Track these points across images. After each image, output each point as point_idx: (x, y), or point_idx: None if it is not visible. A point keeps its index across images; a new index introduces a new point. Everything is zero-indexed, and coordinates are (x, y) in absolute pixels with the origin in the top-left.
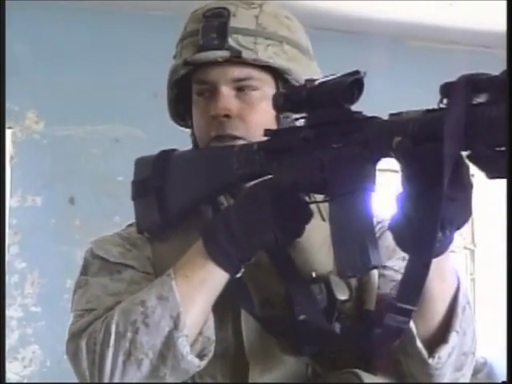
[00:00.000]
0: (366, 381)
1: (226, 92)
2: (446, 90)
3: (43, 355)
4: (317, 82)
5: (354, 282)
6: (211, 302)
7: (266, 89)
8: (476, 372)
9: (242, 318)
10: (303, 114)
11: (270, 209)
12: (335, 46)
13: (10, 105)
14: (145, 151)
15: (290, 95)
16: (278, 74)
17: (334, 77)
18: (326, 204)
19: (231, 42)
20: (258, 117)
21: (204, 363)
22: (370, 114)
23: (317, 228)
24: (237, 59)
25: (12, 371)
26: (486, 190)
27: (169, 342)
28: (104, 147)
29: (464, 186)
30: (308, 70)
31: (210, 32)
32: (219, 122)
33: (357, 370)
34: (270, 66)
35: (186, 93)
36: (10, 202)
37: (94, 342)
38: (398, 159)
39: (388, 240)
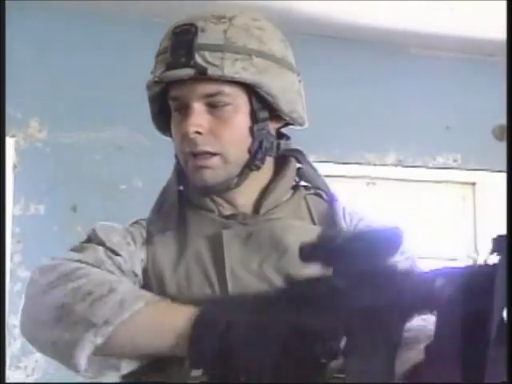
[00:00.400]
0: None
1: (198, 108)
2: (499, 244)
3: (46, 364)
4: (351, 233)
5: None
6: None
7: (238, 102)
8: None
9: None
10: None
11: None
12: (336, 54)
13: (13, 112)
14: (148, 158)
15: (319, 246)
16: (249, 88)
17: (368, 225)
18: (318, 206)
19: (198, 58)
20: (231, 132)
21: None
22: (373, 122)
23: (307, 230)
24: (202, 76)
25: (14, 380)
26: (489, 198)
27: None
28: (107, 154)
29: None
30: (282, 80)
31: (178, 49)
32: (191, 139)
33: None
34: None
35: (167, 107)
36: (12, 210)
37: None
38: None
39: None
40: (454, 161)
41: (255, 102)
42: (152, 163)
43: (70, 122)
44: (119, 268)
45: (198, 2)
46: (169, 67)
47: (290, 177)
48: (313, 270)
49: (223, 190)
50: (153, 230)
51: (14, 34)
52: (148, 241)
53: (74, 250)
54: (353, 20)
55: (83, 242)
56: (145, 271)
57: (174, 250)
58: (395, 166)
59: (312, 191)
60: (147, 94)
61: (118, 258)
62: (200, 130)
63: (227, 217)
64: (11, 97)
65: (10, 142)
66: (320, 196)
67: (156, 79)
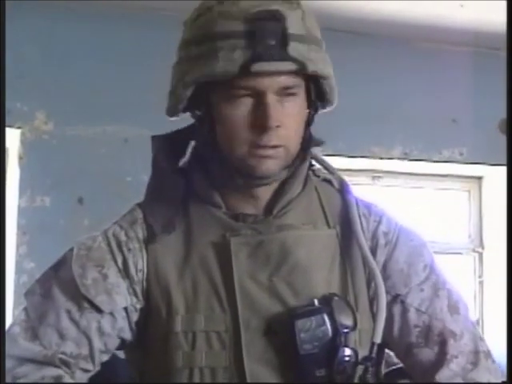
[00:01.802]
0: None
1: (273, 101)
2: None
3: None
4: None
5: (361, 308)
6: None
7: (301, 94)
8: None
9: (243, 345)
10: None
11: None
12: (341, 47)
13: (19, 105)
14: None
15: None
16: (309, 79)
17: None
18: (334, 201)
19: (292, 51)
20: (295, 124)
21: None
22: (379, 116)
23: (320, 240)
24: (301, 72)
25: None
26: (495, 192)
27: None
28: (113, 147)
29: None
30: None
31: (266, 38)
32: (268, 133)
33: None
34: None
35: (201, 93)
36: (18, 202)
37: None
38: None
39: (400, 262)
40: (460, 154)
41: (313, 93)
42: None
43: (75, 114)
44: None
45: None
46: (260, 58)
47: (305, 171)
48: (324, 289)
49: (271, 181)
50: (153, 225)
51: (21, 29)
52: (150, 240)
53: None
54: (358, 13)
55: (54, 267)
56: (147, 279)
57: (180, 253)
58: (401, 159)
59: (322, 177)
60: (202, 77)
61: (88, 315)
62: (279, 123)
63: (236, 216)
64: (17, 90)
65: (15, 134)
66: (330, 183)
67: (246, 69)
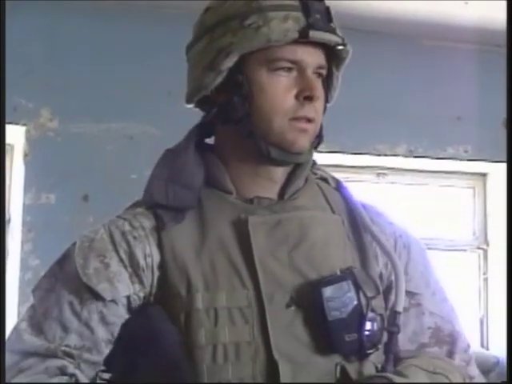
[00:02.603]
0: (397, 381)
1: (311, 75)
2: None
3: None
4: None
5: (380, 272)
6: None
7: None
8: (488, 371)
9: (267, 319)
10: None
11: None
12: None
13: (24, 102)
14: (159, 149)
15: None
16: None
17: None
18: (334, 195)
19: (334, 26)
20: (323, 102)
21: None
22: (384, 113)
23: (332, 222)
24: (342, 47)
25: None
26: (499, 189)
27: None
28: (118, 145)
29: None
30: None
31: (315, 13)
32: (311, 104)
33: (386, 374)
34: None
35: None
36: (23, 199)
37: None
38: None
39: (419, 264)
40: (465, 151)
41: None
42: None
43: (80, 112)
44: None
45: None
46: (313, 27)
47: (311, 160)
48: (342, 262)
49: (298, 161)
50: (164, 213)
51: (26, 27)
52: (160, 227)
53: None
54: (364, 11)
55: (57, 263)
56: (161, 266)
57: (196, 235)
58: (406, 156)
59: (319, 175)
60: (257, 44)
61: (91, 306)
62: (319, 95)
63: (248, 200)
64: (23, 87)
65: (20, 131)
66: (326, 181)
67: (301, 35)
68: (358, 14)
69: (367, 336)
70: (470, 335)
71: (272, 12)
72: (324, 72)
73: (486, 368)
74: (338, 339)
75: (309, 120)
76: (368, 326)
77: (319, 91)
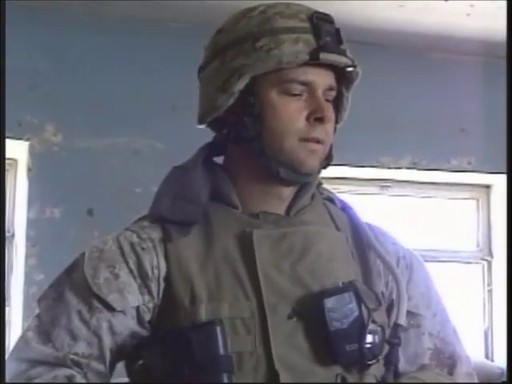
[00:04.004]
0: None
1: (322, 96)
2: None
3: None
4: None
5: (381, 291)
6: None
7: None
8: (493, 382)
9: (269, 329)
10: None
11: None
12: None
13: (28, 117)
14: (164, 163)
15: None
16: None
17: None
18: (339, 215)
19: (344, 48)
20: (332, 125)
21: None
22: (387, 125)
23: (337, 238)
24: (352, 68)
25: None
26: (503, 201)
27: None
28: (123, 159)
29: None
30: None
31: (325, 35)
32: (322, 126)
33: (387, 382)
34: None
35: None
36: (28, 214)
37: None
38: None
39: (420, 285)
40: (469, 163)
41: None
42: (168, 168)
43: (85, 126)
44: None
45: (209, 3)
46: (324, 49)
47: (317, 179)
48: (345, 276)
49: (307, 181)
50: (171, 226)
51: (32, 41)
52: (167, 239)
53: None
54: (367, 24)
55: (67, 272)
56: (166, 278)
57: (201, 247)
58: (410, 168)
59: (325, 195)
60: (272, 65)
61: (100, 315)
62: (329, 117)
63: (254, 215)
64: (27, 102)
65: (24, 146)
66: (332, 202)
67: (312, 57)
68: (361, 27)
69: (368, 347)
70: (474, 347)
71: (284, 34)
72: (334, 93)
73: (490, 379)
74: (339, 350)
75: (319, 141)
76: (369, 337)
77: (330, 112)
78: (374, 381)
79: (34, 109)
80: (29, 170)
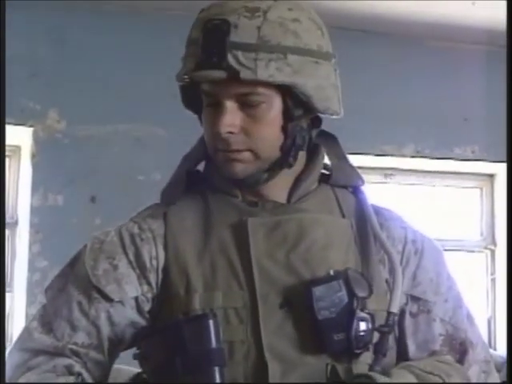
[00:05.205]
0: (380, 381)
1: (231, 106)
2: None
3: None
4: None
5: (376, 289)
6: None
7: (271, 101)
8: (496, 371)
9: (260, 319)
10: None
11: None
12: (354, 46)
13: (31, 104)
14: (166, 150)
15: None
16: (283, 87)
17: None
18: (348, 199)
19: (230, 59)
20: (263, 130)
21: None
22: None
23: (336, 225)
24: (233, 78)
25: None
26: (505, 190)
27: None
28: (125, 146)
29: None
30: (318, 76)
31: (210, 47)
32: (223, 139)
33: (370, 373)
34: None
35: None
36: (31, 200)
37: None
38: None
39: (429, 271)
40: (472, 152)
41: (289, 100)
42: (170, 155)
43: (88, 113)
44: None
45: None
46: (199, 66)
47: (319, 166)
48: (341, 265)
49: (252, 183)
50: (172, 217)
51: (34, 28)
52: (167, 229)
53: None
54: (371, 12)
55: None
56: (165, 268)
57: (198, 239)
58: (413, 157)
59: (341, 183)
60: (178, 82)
61: (99, 305)
62: (232, 129)
63: (253, 203)
64: (30, 88)
65: (28, 132)
66: (347, 188)
67: (185, 78)
68: (364, 16)
69: (357, 336)
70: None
71: (190, 46)
72: (261, 99)
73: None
74: (328, 338)
75: (240, 151)
76: (358, 325)
77: (231, 125)
78: (365, 370)
79: (36, 95)
80: (33, 156)
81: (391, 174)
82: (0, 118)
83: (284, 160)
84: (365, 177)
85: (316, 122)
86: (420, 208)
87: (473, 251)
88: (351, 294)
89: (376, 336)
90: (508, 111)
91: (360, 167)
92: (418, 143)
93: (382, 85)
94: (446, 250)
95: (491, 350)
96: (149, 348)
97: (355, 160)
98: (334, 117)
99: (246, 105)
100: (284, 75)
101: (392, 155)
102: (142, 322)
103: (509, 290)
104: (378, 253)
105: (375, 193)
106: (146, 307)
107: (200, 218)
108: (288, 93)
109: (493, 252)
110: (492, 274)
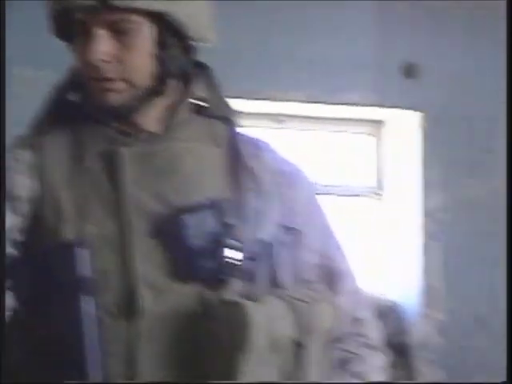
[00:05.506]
0: (251, 311)
1: (102, 34)
2: None
3: None
4: None
5: (247, 209)
6: None
7: (143, 29)
8: (382, 317)
9: (131, 248)
10: None
11: None
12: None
13: None
14: None
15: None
16: (156, 15)
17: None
18: (221, 130)
19: None
20: (135, 57)
21: None
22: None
23: (208, 154)
24: (104, 5)
25: None
26: (396, 136)
27: None
28: None
29: None
30: (191, 2)
31: None
32: (95, 66)
33: (240, 300)
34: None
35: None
36: None
37: None
38: None
39: (301, 202)
40: (362, 98)
41: (163, 28)
42: None
43: None
44: None
45: None
46: None
47: (189, 95)
48: (213, 193)
49: (125, 112)
50: (43, 146)
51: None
52: (38, 162)
53: None
54: None
55: None
56: (36, 199)
57: (70, 169)
58: (303, 102)
59: (214, 114)
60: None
61: None
62: (105, 57)
63: (126, 133)
64: None
65: None
66: (221, 119)
67: (57, 6)
68: None
69: (226, 263)
70: (367, 280)
71: None
72: (132, 26)
73: (381, 312)
74: (197, 266)
75: (112, 79)
76: (228, 253)
77: (104, 53)
78: (235, 298)
79: None
80: None
81: (281, 120)
82: (0, 118)
83: (156, 88)
84: (255, 122)
85: (190, 50)
86: (309, 154)
87: (360, 196)
88: (221, 222)
89: (247, 264)
90: (508, 111)
91: (251, 113)
92: (309, 88)
93: (270, 27)
94: (334, 195)
95: (380, 295)
96: (20, 278)
97: (246, 105)
98: (207, 44)
99: (119, 32)
100: (157, 2)
101: (282, 100)
102: (14, 252)
103: (509, 286)
104: (250, 182)
105: (269, 139)
106: (18, 238)
107: (71, 147)
108: (161, 20)
109: (381, 197)
110: (379, 218)
